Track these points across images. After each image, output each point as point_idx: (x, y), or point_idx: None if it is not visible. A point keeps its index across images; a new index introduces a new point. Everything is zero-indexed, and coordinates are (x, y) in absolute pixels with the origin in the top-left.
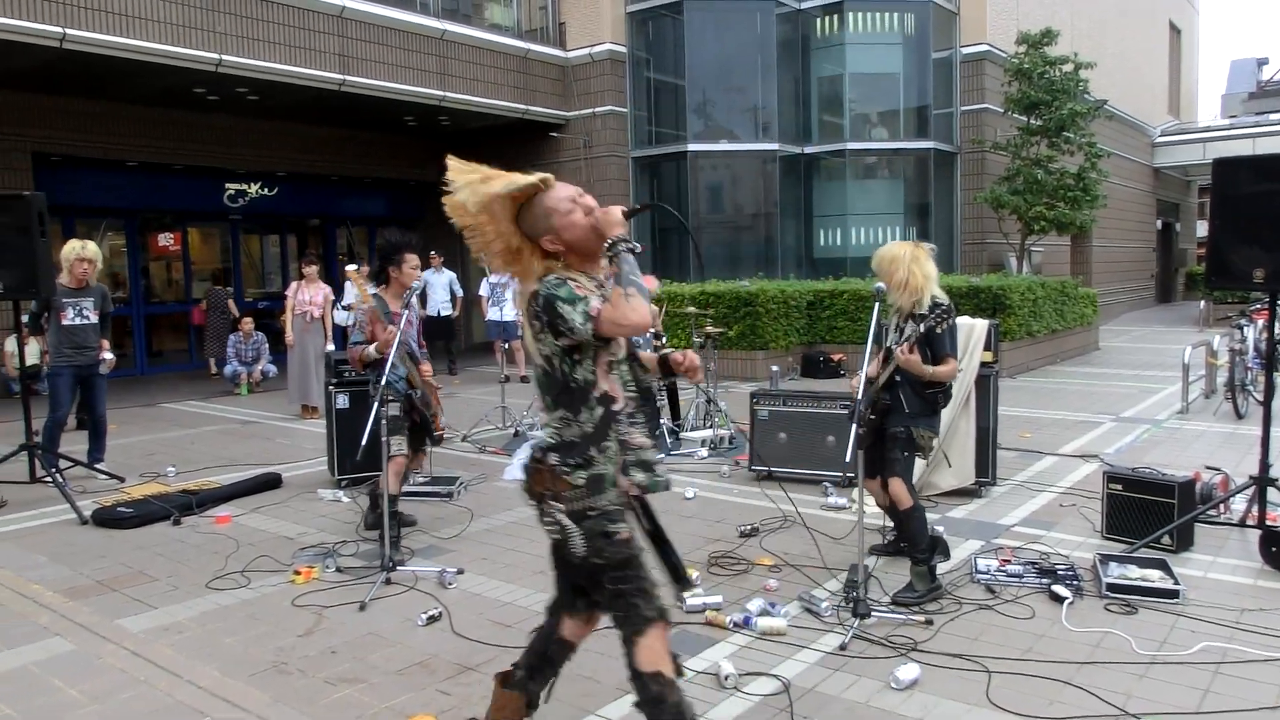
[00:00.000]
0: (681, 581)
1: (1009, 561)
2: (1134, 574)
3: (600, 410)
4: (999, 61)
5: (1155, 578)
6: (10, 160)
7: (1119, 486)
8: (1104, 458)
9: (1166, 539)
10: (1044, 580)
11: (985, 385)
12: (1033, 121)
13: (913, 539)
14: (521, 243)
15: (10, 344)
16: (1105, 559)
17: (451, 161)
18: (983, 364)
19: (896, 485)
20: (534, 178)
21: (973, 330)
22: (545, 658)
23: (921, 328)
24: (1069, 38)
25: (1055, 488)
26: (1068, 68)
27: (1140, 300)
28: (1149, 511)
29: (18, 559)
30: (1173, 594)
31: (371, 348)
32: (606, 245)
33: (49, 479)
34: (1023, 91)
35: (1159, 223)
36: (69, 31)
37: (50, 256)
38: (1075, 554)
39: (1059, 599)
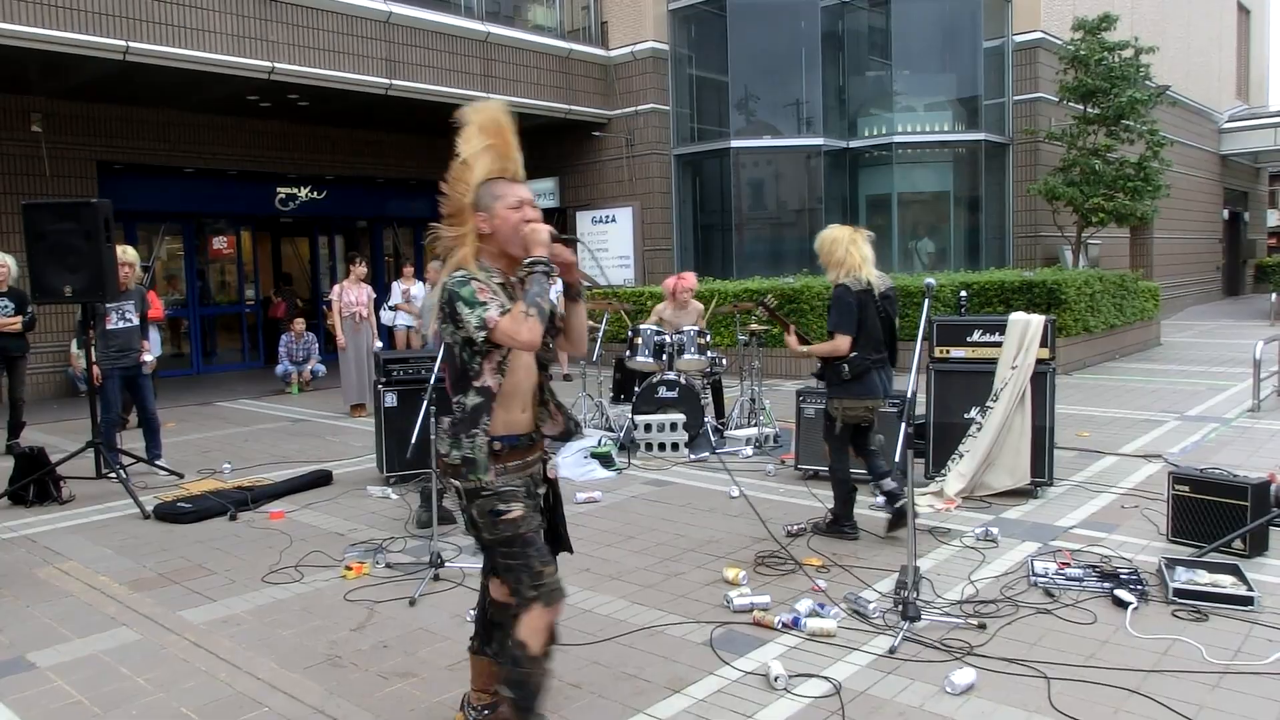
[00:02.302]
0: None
1: (1068, 564)
2: (1203, 579)
3: (477, 400)
4: (1054, 49)
5: (1227, 583)
6: (77, 168)
7: (1186, 488)
8: (1168, 458)
9: (1238, 543)
10: (1106, 584)
11: (1041, 383)
12: (1090, 110)
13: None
14: (469, 206)
15: (75, 345)
16: (1172, 563)
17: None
18: (1039, 361)
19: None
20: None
21: (1028, 326)
22: (489, 622)
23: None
24: (1129, 22)
25: (1116, 489)
26: (1127, 53)
27: (1206, 294)
28: (1219, 514)
29: (87, 551)
30: (1247, 600)
31: None
32: (526, 261)
33: (113, 475)
34: (1079, 79)
35: (1225, 212)
36: (131, 45)
37: (116, 261)
38: (1139, 558)
39: (1123, 604)
